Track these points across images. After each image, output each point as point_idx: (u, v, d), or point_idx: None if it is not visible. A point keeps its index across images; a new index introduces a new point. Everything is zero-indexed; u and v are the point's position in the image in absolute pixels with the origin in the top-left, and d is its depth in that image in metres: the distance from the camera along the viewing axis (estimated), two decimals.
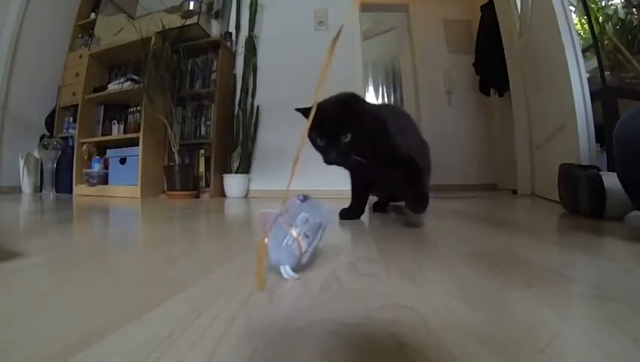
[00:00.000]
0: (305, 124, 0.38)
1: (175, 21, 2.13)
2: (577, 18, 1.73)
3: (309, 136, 0.69)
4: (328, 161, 0.70)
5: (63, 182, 2.31)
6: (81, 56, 2.49)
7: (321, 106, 0.67)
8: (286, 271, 0.36)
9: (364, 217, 0.95)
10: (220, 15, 2.38)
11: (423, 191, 0.72)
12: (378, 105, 0.86)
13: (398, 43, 3.56)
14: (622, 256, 0.50)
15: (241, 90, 2.21)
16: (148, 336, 0.23)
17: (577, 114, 1.28)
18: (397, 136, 0.76)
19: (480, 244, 0.57)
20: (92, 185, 2.21)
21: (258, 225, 0.42)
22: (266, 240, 0.35)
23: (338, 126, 0.67)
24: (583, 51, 1.40)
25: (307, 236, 0.38)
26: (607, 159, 1.27)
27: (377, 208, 1.12)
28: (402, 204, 1.21)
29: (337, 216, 0.90)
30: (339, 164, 0.72)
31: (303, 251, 0.37)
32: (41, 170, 2.37)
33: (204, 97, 2.24)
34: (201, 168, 2.23)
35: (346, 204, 0.93)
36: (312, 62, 2.22)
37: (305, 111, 0.70)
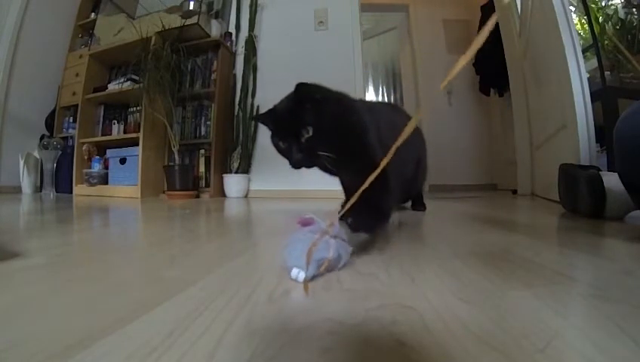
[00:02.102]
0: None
1: (175, 21, 2.13)
2: (577, 18, 1.73)
3: (273, 142, 0.62)
4: (295, 164, 0.59)
5: (63, 182, 2.32)
6: (81, 56, 2.49)
7: (276, 106, 0.62)
8: (299, 276, 0.35)
9: None
10: (220, 15, 2.39)
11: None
12: (357, 100, 0.73)
13: (398, 43, 3.56)
14: (622, 256, 0.50)
15: (241, 90, 2.21)
16: (148, 336, 0.23)
17: (577, 114, 1.28)
18: (372, 131, 0.64)
19: (480, 244, 0.57)
20: (92, 185, 2.21)
21: (297, 224, 0.41)
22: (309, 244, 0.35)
23: (296, 121, 0.57)
24: (583, 51, 1.40)
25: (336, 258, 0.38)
26: (607, 159, 1.27)
27: None
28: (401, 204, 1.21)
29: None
30: (308, 165, 0.60)
31: (324, 268, 0.37)
32: (41, 170, 2.37)
33: (204, 97, 2.24)
34: (201, 168, 2.23)
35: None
36: (312, 62, 2.24)
37: (263, 118, 0.63)
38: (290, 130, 0.58)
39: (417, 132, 1.00)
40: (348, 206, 0.38)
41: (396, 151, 0.73)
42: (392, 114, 0.89)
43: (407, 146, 0.89)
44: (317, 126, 0.56)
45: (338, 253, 0.38)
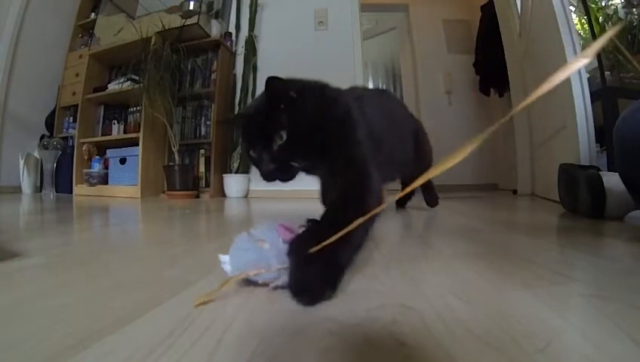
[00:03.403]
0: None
1: (175, 21, 2.13)
2: (577, 18, 1.73)
3: (244, 151, 0.54)
4: (266, 177, 0.49)
5: (63, 182, 2.31)
6: (81, 56, 2.49)
7: (246, 107, 0.55)
8: (224, 266, 0.34)
9: None
10: (220, 15, 2.39)
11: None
12: (341, 90, 0.63)
13: (398, 43, 3.56)
14: (622, 255, 0.50)
15: (241, 90, 2.21)
16: (148, 336, 0.23)
17: (577, 114, 1.28)
18: (360, 128, 0.54)
19: (480, 244, 0.57)
20: (92, 185, 2.21)
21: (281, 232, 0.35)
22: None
23: (267, 124, 0.47)
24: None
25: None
26: (607, 159, 1.27)
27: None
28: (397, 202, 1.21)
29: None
30: (283, 178, 0.49)
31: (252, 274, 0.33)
32: (41, 170, 2.37)
33: (204, 97, 2.24)
34: (201, 168, 2.23)
35: None
36: (312, 62, 2.24)
37: (231, 121, 0.55)
38: (260, 135, 0.48)
39: (405, 114, 0.91)
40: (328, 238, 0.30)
41: (384, 138, 0.61)
42: (381, 101, 0.81)
43: (395, 130, 0.78)
44: (292, 129, 0.47)
45: (277, 273, 0.32)
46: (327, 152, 0.50)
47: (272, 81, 0.46)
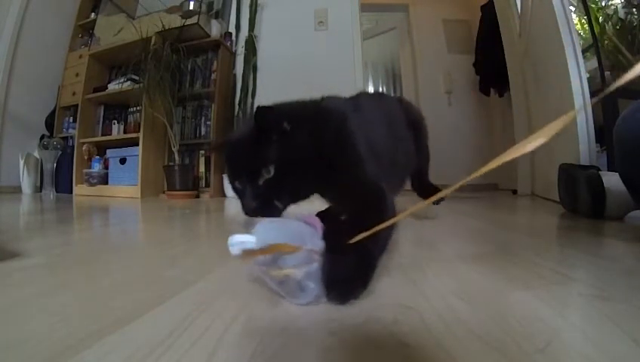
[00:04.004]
0: None
1: (175, 21, 2.13)
2: (577, 18, 1.73)
3: (230, 181, 0.49)
4: (248, 213, 0.46)
5: (63, 182, 2.31)
6: (81, 56, 2.49)
7: (233, 135, 0.51)
8: (237, 244, 0.29)
9: None
10: (220, 15, 2.38)
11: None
12: (341, 108, 0.56)
13: (398, 43, 3.56)
14: (622, 255, 0.50)
15: (241, 90, 2.21)
16: (148, 336, 0.23)
17: (577, 114, 1.28)
18: (366, 161, 0.49)
19: (481, 244, 0.57)
20: (92, 185, 2.21)
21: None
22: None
23: (254, 157, 0.44)
24: (583, 51, 1.40)
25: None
26: (607, 159, 1.27)
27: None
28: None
29: None
30: (266, 214, 0.44)
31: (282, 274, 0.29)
32: (41, 170, 2.37)
33: (204, 97, 2.24)
34: (201, 168, 2.23)
35: None
36: (312, 62, 2.24)
37: (219, 148, 0.50)
38: (246, 167, 0.45)
39: (395, 109, 0.82)
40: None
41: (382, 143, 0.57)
42: (381, 108, 0.75)
43: (396, 135, 0.71)
44: (282, 165, 0.44)
45: (308, 256, 0.29)
46: (330, 183, 0.47)
47: (262, 112, 0.43)
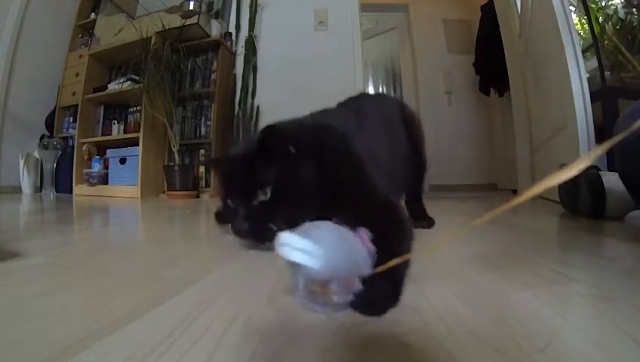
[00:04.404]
0: None
1: (175, 21, 2.13)
2: (577, 18, 1.73)
3: (219, 194, 0.49)
4: (237, 233, 0.45)
5: (63, 182, 2.31)
6: (81, 56, 2.49)
7: (232, 151, 0.50)
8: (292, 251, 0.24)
9: None
10: (220, 15, 2.38)
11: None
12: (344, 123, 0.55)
13: (398, 43, 3.56)
14: (622, 255, 0.50)
15: (241, 90, 2.21)
16: (148, 336, 0.23)
17: (577, 114, 1.28)
18: (373, 179, 0.48)
19: (481, 244, 0.57)
20: (92, 185, 2.21)
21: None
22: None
23: (251, 176, 0.43)
24: (583, 51, 1.40)
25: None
26: (607, 159, 1.27)
27: None
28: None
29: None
30: (258, 239, 0.44)
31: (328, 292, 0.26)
32: (41, 170, 2.37)
33: (204, 97, 2.24)
34: (201, 168, 2.23)
35: None
36: (312, 62, 2.24)
37: (216, 164, 0.51)
38: (241, 186, 0.43)
39: (395, 116, 0.78)
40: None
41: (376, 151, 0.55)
42: (382, 117, 0.72)
43: (394, 142, 0.69)
44: (280, 187, 0.42)
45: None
46: (337, 206, 0.44)
47: (270, 131, 0.42)
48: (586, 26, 1.69)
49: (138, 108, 2.21)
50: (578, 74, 1.30)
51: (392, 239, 0.35)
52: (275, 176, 0.42)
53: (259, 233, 0.43)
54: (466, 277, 0.37)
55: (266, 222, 0.43)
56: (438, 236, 0.67)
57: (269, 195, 0.42)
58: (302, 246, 0.24)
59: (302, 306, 0.27)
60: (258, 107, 2.23)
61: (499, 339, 0.22)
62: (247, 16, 2.28)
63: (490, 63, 2.50)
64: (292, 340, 0.23)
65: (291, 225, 0.41)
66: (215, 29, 2.23)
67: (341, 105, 0.74)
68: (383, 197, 0.45)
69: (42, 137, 2.41)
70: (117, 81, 2.27)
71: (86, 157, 2.33)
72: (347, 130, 0.52)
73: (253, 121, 2.21)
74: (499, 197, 1.88)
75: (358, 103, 0.72)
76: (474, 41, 2.78)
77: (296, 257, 0.24)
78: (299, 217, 0.43)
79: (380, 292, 0.29)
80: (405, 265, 0.33)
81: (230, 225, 0.46)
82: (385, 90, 3.94)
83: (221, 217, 0.57)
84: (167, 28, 2.10)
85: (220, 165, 0.49)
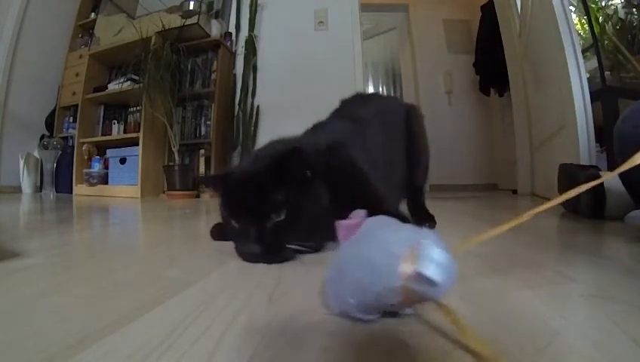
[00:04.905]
0: None
1: (175, 21, 2.13)
2: (577, 18, 1.73)
3: (221, 213, 0.47)
4: (246, 258, 0.43)
5: (63, 182, 2.31)
6: (81, 56, 2.49)
7: (238, 168, 0.50)
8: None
9: None
10: (220, 15, 2.38)
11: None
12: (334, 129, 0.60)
13: (398, 43, 3.56)
14: (622, 256, 0.50)
15: (241, 90, 2.21)
16: (148, 336, 0.23)
17: (577, 114, 1.28)
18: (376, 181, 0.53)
19: (481, 244, 0.57)
20: (92, 185, 2.21)
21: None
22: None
23: (265, 197, 0.42)
24: (583, 51, 1.40)
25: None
26: (607, 159, 1.27)
27: None
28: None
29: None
30: (270, 261, 0.42)
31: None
32: (41, 170, 2.37)
33: (204, 97, 2.24)
34: (201, 168, 2.23)
35: None
36: (312, 62, 2.24)
37: (215, 182, 0.50)
38: (252, 208, 0.42)
39: (392, 113, 0.77)
40: None
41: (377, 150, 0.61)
42: (377, 113, 0.72)
43: (395, 147, 0.72)
44: (295, 208, 0.42)
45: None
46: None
47: (295, 154, 0.42)
48: (586, 26, 1.69)
49: (138, 108, 2.21)
50: (578, 74, 1.30)
51: None
52: (290, 198, 0.42)
53: (272, 256, 0.42)
54: (466, 276, 0.37)
55: (282, 242, 0.42)
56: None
57: (282, 217, 0.42)
58: (442, 261, 0.18)
59: (340, 315, 0.24)
60: (258, 107, 2.23)
61: (498, 339, 0.22)
62: (247, 16, 2.28)
63: (490, 63, 2.50)
64: (292, 340, 0.23)
65: (304, 240, 0.44)
66: (215, 29, 2.23)
67: (338, 113, 0.74)
68: (392, 209, 0.48)
69: (42, 137, 2.41)
70: (117, 81, 2.27)
71: (86, 157, 2.33)
72: (352, 146, 0.56)
73: (253, 121, 2.21)
74: (499, 197, 1.88)
75: (354, 111, 0.72)
76: (474, 41, 2.78)
77: (438, 276, 0.18)
78: (313, 237, 0.45)
79: None
80: None
81: (234, 247, 0.45)
82: (385, 90, 3.94)
83: (217, 234, 0.57)
84: (167, 28, 2.10)
85: (219, 183, 0.48)
